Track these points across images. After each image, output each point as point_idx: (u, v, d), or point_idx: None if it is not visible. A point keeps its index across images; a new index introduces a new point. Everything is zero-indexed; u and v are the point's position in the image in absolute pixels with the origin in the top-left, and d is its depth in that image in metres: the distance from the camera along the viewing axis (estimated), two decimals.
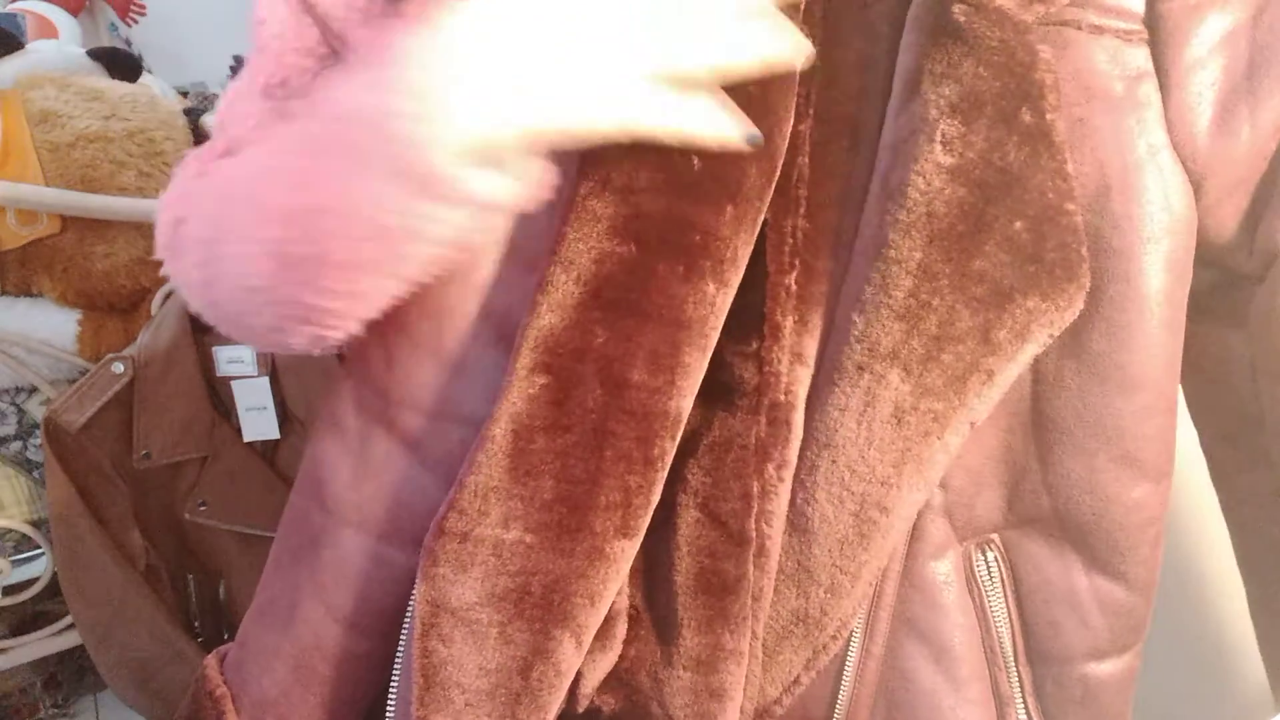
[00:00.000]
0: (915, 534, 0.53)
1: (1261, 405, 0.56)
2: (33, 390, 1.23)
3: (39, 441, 1.15)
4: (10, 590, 1.25)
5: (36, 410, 1.23)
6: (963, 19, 0.46)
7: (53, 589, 1.20)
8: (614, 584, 0.49)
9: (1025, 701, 0.56)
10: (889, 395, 0.47)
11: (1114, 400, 0.51)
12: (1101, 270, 0.49)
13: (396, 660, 0.55)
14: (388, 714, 0.54)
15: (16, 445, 1.25)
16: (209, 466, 1.14)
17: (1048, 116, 0.45)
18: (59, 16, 1.64)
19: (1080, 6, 0.48)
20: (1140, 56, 0.49)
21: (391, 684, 0.55)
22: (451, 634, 0.49)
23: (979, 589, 0.54)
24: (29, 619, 1.29)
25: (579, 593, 0.48)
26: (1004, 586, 0.55)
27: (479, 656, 0.49)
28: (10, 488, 1.25)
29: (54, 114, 1.20)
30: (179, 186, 0.56)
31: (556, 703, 0.50)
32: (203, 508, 1.15)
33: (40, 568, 1.25)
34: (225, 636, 1.24)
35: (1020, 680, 0.56)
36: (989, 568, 0.55)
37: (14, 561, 1.28)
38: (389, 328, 0.53)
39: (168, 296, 1.17)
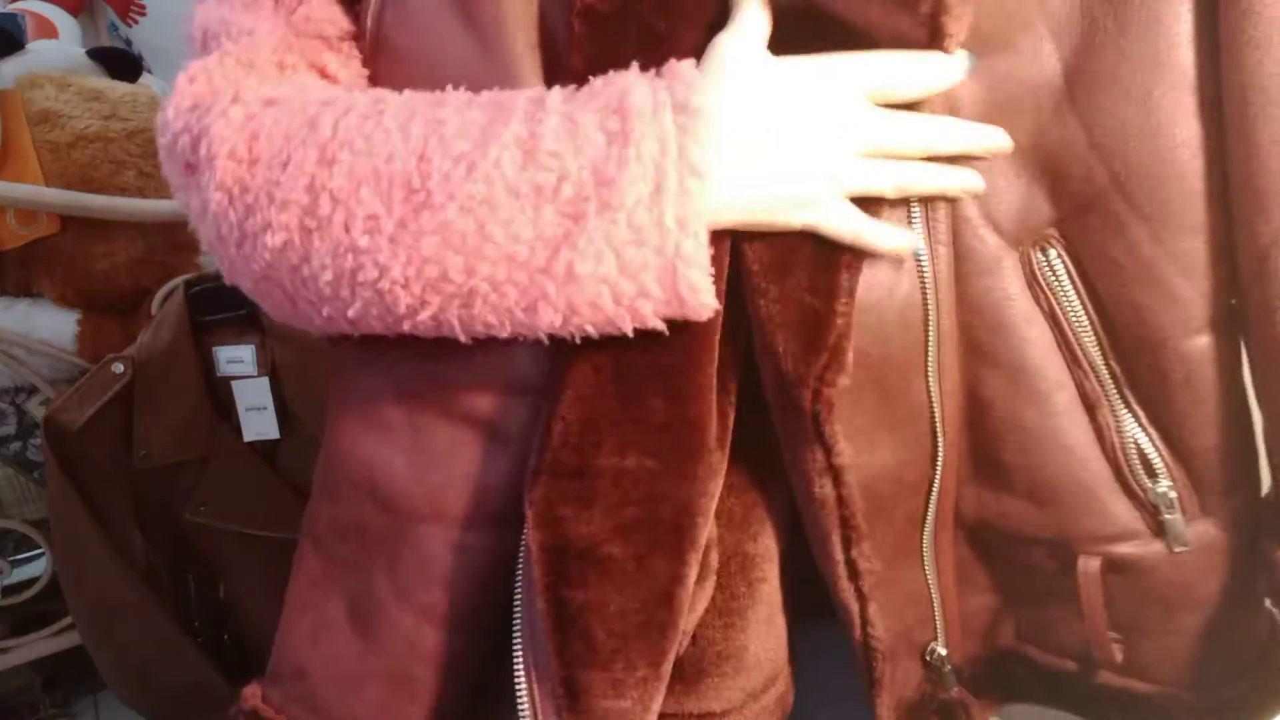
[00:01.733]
0: (959, 255, 0.50)
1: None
2: (33, 390, 1.23)
3: (39, 441, 1.15)
4: (10, 590, 1.25)
5: (36, 410, 1.23)
6: None
7: (53, 589, 1.20)
8: (716, 501, 0.49)
9: (1122, 394, 0.52)
10: None
11: (1161, 20, 0.47)
12: None
13: (515, 635, 0.52)
14: (517, 676, 0.51)
15: (16, 445, 1.25)
16: (209, 466, 1.14)
17: None
18: (59, 16, 1.64)
19: None
20: None
21: (515, 652, 0.52)
22: (584, 577, 0.47)
23: (1045, 292, 0.51)
24: (29, 619, 1.29)
25: (701, 512, 0.48)
26: (1074, 282, 0.51)
27: (620, 596, 0.47)
28: (10, 488, 1.25)
29: (54, 114, 1.20)
30: (241, 113, 0.49)
31: (682, 629, 0.50)
32: (203, 508, 1.15)
33: (40, 568, 1.25)
34: (225, 637, 1.24)
35: (1113, 375, 0.52)
36: (1051, 266, 0.51)
37: (14, 561, 1.28)
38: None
39: (168, 296, 1.17)
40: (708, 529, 0.49)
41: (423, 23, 0.51)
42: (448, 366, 0.52)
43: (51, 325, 1.21)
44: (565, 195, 0.43)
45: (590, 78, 0.45)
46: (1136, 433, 0.53)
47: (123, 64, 1.35)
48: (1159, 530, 0.53)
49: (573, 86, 0.46)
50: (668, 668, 0.50)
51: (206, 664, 1.15)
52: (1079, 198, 0.50)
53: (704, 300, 0.44)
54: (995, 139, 0.48)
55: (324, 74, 0.53)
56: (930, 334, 0.50)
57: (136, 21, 1.87)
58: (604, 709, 0.49)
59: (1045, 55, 0.48)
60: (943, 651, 0.58)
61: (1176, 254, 0.50)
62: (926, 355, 0.51)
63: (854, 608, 0.54)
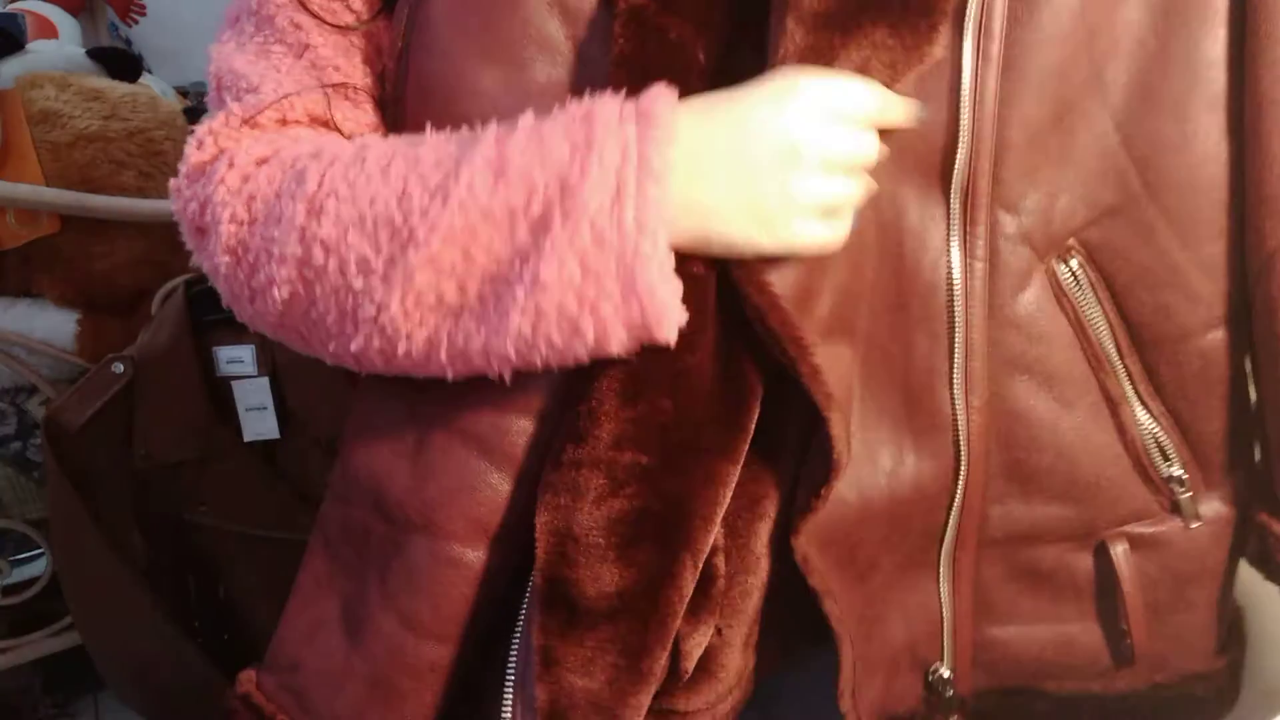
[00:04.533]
0: (994, 270, 0.52)
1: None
2: (33, 390, 1.23)
3: (39, 441, 1.15)
4: (10, 590, 1.25)
5: (36, 410, 1.23)
6: None
7: (53, 589, 1.20)
8: (722, 508, 0.50)
9: (1138, 392, 0.56)
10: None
11: (1199, 43, 0.50)
12: None
13: (519, 619, 0.54)
14: (506, 690, 0.53)
15: (16, 445, 1.25)
16: (209, 466, 1.14)
17: None
18: (59, 16, 1.64)
19: None
20: None
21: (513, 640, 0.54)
22: (575, 558, 0.49)
23: (1070, 301, 0.54)
24: (29, 619, 1.29)
25: (698, 513, 0.49)
26: (1095, 290, 0.54)
27: (597, 581, 0.49)
28: (10, 488, 1.25)
29: (54, 114, 1.20)
30: (211, 174, 0.53)
31: (674, 631, 0.51)
32: (203, 508, 1.15)
33: (40, 568, 1.25)
34: (225, 637, 1.24)
35: (1130, 374, 0.56)
36: (1075, 276, 0.54)
37: (14, 561, 1.28)
38: None
39: (168, 296, 1.17)
40: (710, 534, 0.50)
41: (444, 49, 0.52)
42: (457, 384, 0.53)
43: (51, 325, 1.21)
44: (534, 211, 0.45)
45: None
46: (1152, 424, 0.56)
47: (123, 64, 1.35)
48: (1174, 509, 0.57)
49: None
50: (651, 665, 0.50)
51: (206, 664, 1.15)
52: (1107, 206, 0.53)
53: (662, 303, 0.44)
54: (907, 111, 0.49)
55: (326, 126, 0.55)
56: (956, 345, 0.53)
57: (136, 21, 1.87)
58: (571, 683, 0.50)
59: (1089, 72, 0.50)
60: (946, 674, 0.60)
61: (1201, 258, 0.53)
62: (952, 365, 0.53)
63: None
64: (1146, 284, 0.54)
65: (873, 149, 0.48)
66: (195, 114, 1.34)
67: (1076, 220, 0.53)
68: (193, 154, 0.54)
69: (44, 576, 1.23)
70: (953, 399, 0.53)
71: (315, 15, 0.54)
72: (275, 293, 0.50)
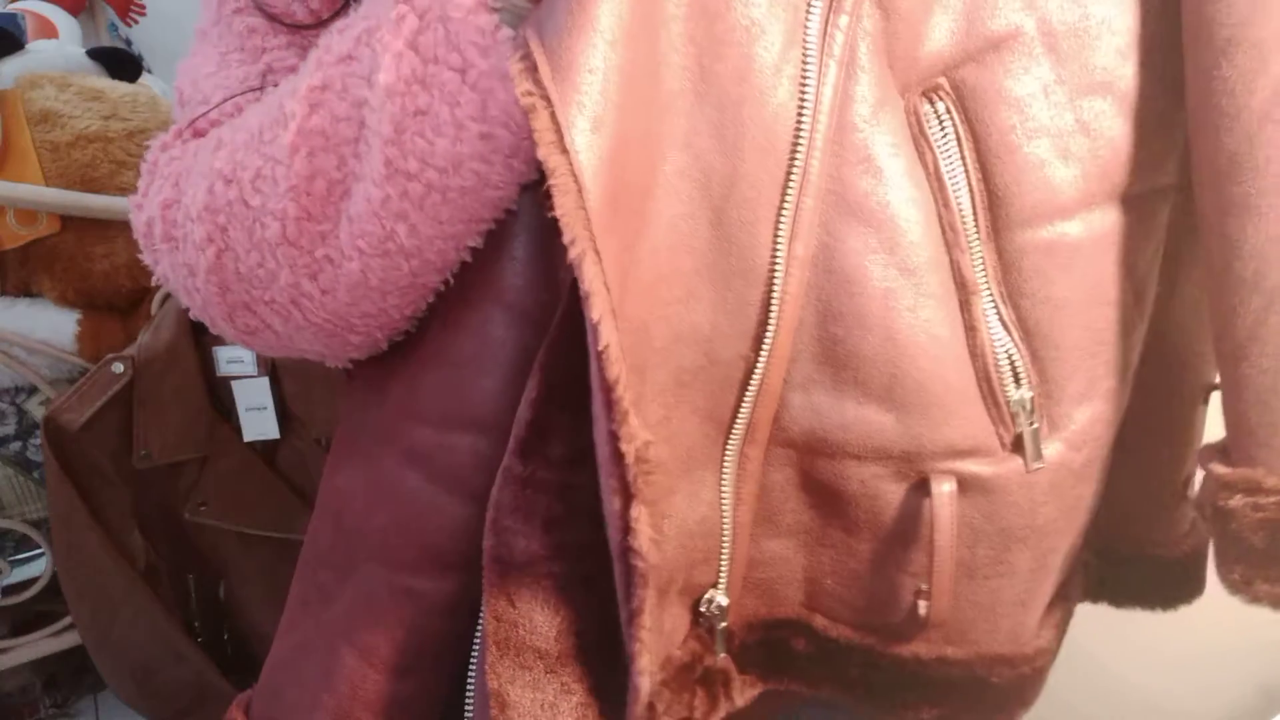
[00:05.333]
0: (848, 80, 0.41)
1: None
2: (33, 390, 1.23)
3: (39, 441, 1.15)
4: (10, 590, 1.25)
5: (36, 410, 1.23)
6: None
7: (53, 589, 1.20)
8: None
9: (993, 290, 0.45)
10: None
11: None
12: None
13: (474, 646, 0.50)
14: (467, 703, 0.50)
15: (16, 445, 1.25)
16: (209, 466, 1.14)
17: None
18: (59, 16, 1.64)
19: None
20: None
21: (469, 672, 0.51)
22: (519, 591, 0.44)
23: (931, 149, 0.43)
24: (29, 619, 1.29)
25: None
26: (960, 142, 0.43)
27: (558, 617, 0.44)
28: (10, 488, 1.25)
29: (54, 114, 1.20)
30: (156, 176, 0.52)
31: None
32: (203, 508, 1.15)
33: (40, 568, 1.25)
34: (225, 637, 1.24)
35: (985, 263, 0.45)
36: (939, 120, 0.43)
37: (14, 561, 1.28)
38: (405, 342, 0.51)
39: (168, 296, 1.17)
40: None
41: None
42: (410, 396, 0.50)
43: (51, 325, 1.21)
44: (369, 32, 0.42)
45: None
46: (1003, 334, 0.46)
47: (123, 64, 1.35)
48: (1016, 445, 0.47)
49: None
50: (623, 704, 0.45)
51: (206, 664, 1.16)
52: (990, 39, 0.43)
53: (482, 27, 0.40)
54: None
55: None
56: (795, 169, 0.41)
57: (136, 21, 1.87)
58: None
59: None
60: (723, 602, 0.49)
61: (1082, 110, 0.43)
62: (784, 197, 0.41)
63: (615, 505, 0.41)
64: (1022, 134, 0.43)
65: None
66: None
67: (949, 47, 0.43)
68: (143, 170, 0.53)
69: (44, 576, 1.23)
70: (775, 240, 0.42)
71: (271, 17, 0.52)
72: (201, 259, 0.48)
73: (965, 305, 0.45)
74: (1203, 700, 0.87)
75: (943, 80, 0.43)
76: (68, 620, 1.25)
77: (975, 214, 0.44)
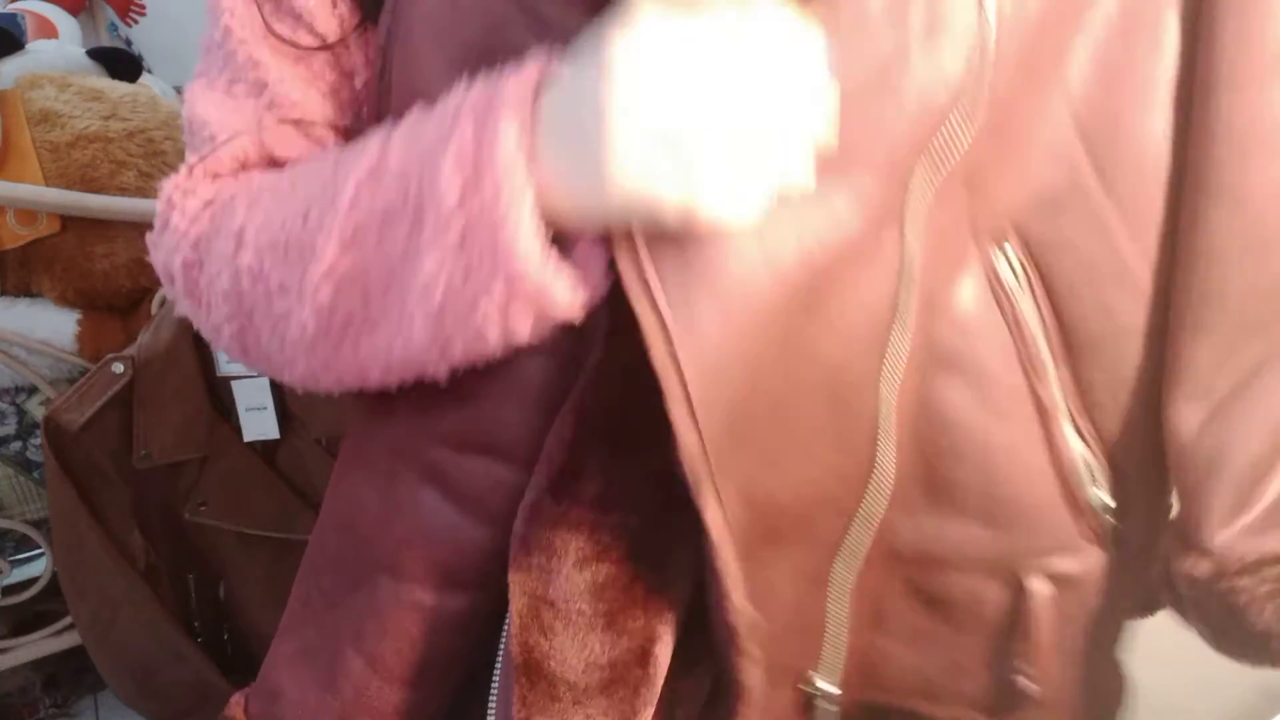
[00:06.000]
0: (933, 250, 0.45)
1: None
2: (33, 390, 1.23)
3: (39, 441, 1.15)
4: (10, 590, 1.25)
5: (36, 410, 1.23)
6: None
7: (53, 589, 1.20)
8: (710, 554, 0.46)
9: (1069, 406, 0.50)
10: None
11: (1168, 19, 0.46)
12: None
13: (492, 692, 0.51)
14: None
15: (16, 445, 1.25)
16: (209, 466, 1.14)
17: None
18: (59, 16, 1.64)
19: None
20: None
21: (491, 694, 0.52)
22: (553, 625, 0.45)
23: (1008, 298, 0.48)
24: (29, 619, 1.29)
25: (686, 570, 0.45)
26: (1031, 286, 0.48)
27: (585, 651, 0.46)
28: (10, 488, 1.25)
29: (54, 114, 1.20)
30: (171, 218, 0.53)
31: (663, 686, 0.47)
32: (203, 508, 1.15)
33: (40, 568, 1.25)
34: (225, 637, 1.24)
35: (1062, 384, 0.49)
36: (1012, 269, 0.48)
37: (14, 561, 1.28)
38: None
39: (168, 296, 1.18)
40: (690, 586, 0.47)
41: (416, 61, 0.49)
42: (427, 416, 0.51)
43: (51, 325, 1.21)
44: (410, 209, 0.42)
45: None
46: (1080, 444, 0.51)
47: (123, 64, 1.36)
48: (1099, 539, 0.52)
49: None
50: None
51: (206, 664, 1.16)
52: (1053, 195, 0.48)
53: (541, 280, 0.39)
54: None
55: (282, 165, 0.53)
56: (895, 334, 0.45)
57: (136, 21, 1.87)
58: None
59: (1053, 49, 0.46)
60: (827, 688, 0.53)
61: (1147, 248, 0.48)
62: (884, 360, 0.46)
63: (723, 647, 0.45)
64: (1090, 280, 0.48)
65: (787, 104, 0.38)
66: None
67: (1018, 204, 0.47)
68: (161, 209, 0.54)
69: (44, 576, 1.23)
70: (879, 393, 0.46)
71: (278, 37, 0.51)
72: (225, 329, 0.50)
73: (1045, 425, 0.50)
74: (1202, 700, 0.87)
75: (1010, 231, 0.48)
76: (68, 620, 1.25)
77: (1050, 345, 0.49)
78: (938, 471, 0.49)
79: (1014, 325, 0.49)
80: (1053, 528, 0.51)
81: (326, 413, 1.13)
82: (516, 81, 0.40)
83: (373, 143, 0.44)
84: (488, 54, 0.46)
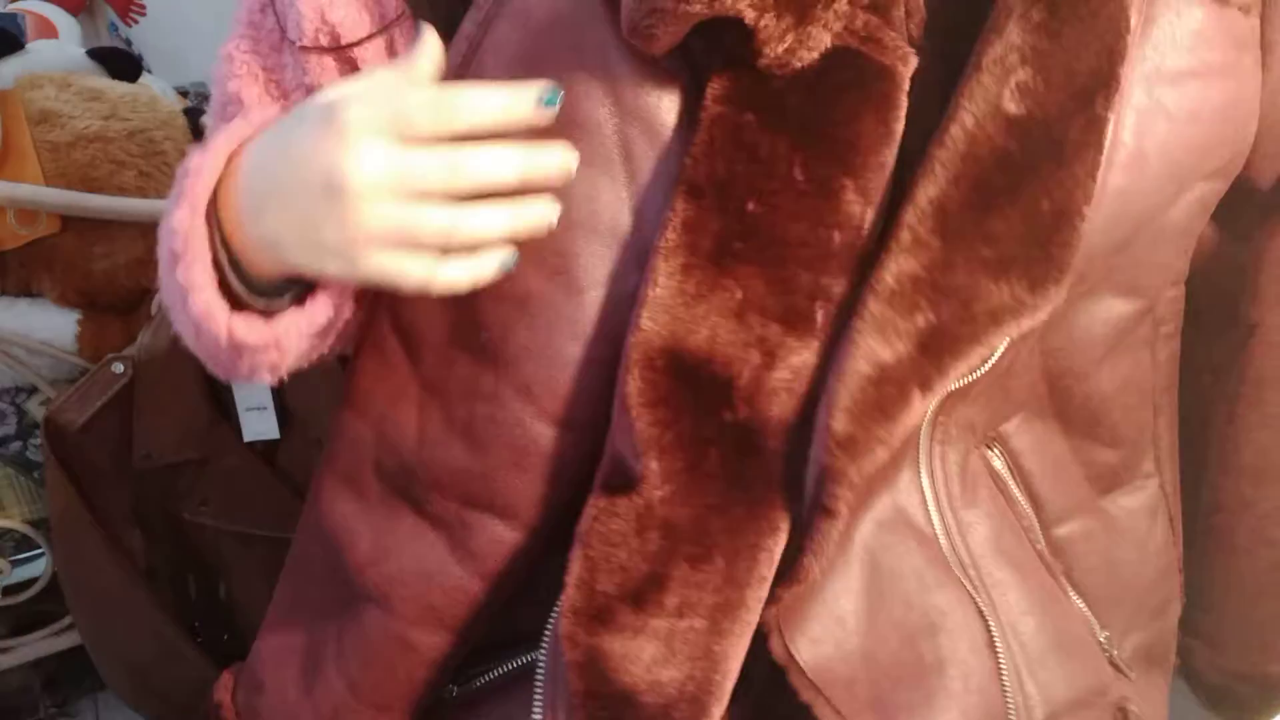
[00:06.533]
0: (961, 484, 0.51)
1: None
2: (33, 390, 1.23)
3: (39, 441, 1.15)
4: (10, 590, 1.25)
5: (36, 410, 1.23)
6: None
7: (53, 589, 1.20)
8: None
9: (1057, 569, 0.56)
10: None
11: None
12: None
13: None
14: None
15: (16, 445, 1.25)
16: (209, 466, 1.14)
17: (1110, 114, 0.44)
18: (59, 16, 1.64)
19: None
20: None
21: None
22: (619, 714, 0.47)
23: (1002, 486, 0.54)
24: (29, 619, 1.29)
25: (734, 669, 0.47)
26: (1013, 474, 0.54)
27: None
28: (10, 488, 1.25)
29: (54, 114, 1.20)
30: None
31: None
32: (203, 508, 1.15)
33: (40, 568, 1.25)
34: (225, 637, 1.24)
35: (1047, 546, 0.56)
36: (1001, 462, 0.54)
37: (14, 561, 1.28)
38: (423, 393, 0.52)
39: None
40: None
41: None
42: (430, 456, 0.52)
43: (51, 325, 1.21)
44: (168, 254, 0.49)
45: None
46: (1077, 598, 0.57)
47: (123, 64, 1.35)
48: (1114, 666, 0.58)
49: None
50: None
51: (206, 664, 1.15)
52: (1025, 410, 0.54)
53: (198, 299, 0.47)
54: (559, 158, 0.44)
55: None
56: (943, 540, 0.50)
57: (136, 21, 1.87)
58: None
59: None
60: None
61: (1080, 450, 0.56)
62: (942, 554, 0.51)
63: None
64: (1056, 472, 0.56)
65: (476, 163, 0.43)
66: (195, 114, 1.34)
67: (1001, 416, 0.53)
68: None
69: (44, 576, 1.23)
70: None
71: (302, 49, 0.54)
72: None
73: (1061, 587, 0.56)
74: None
75: (994, 433, 0.54)
76: (68, 620, 1.24)
77: (1039, 524, 0.55)
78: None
79: (1012, 506, 0.54)
80: (1087, 671, 0.55)
81: (326, 413, 1.13)
82: (212, 150, 0.47)
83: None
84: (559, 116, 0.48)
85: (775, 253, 0.44)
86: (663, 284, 0.44)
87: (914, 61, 0.44)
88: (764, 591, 0.46)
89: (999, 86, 0.43)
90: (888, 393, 0.43)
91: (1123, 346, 0.55)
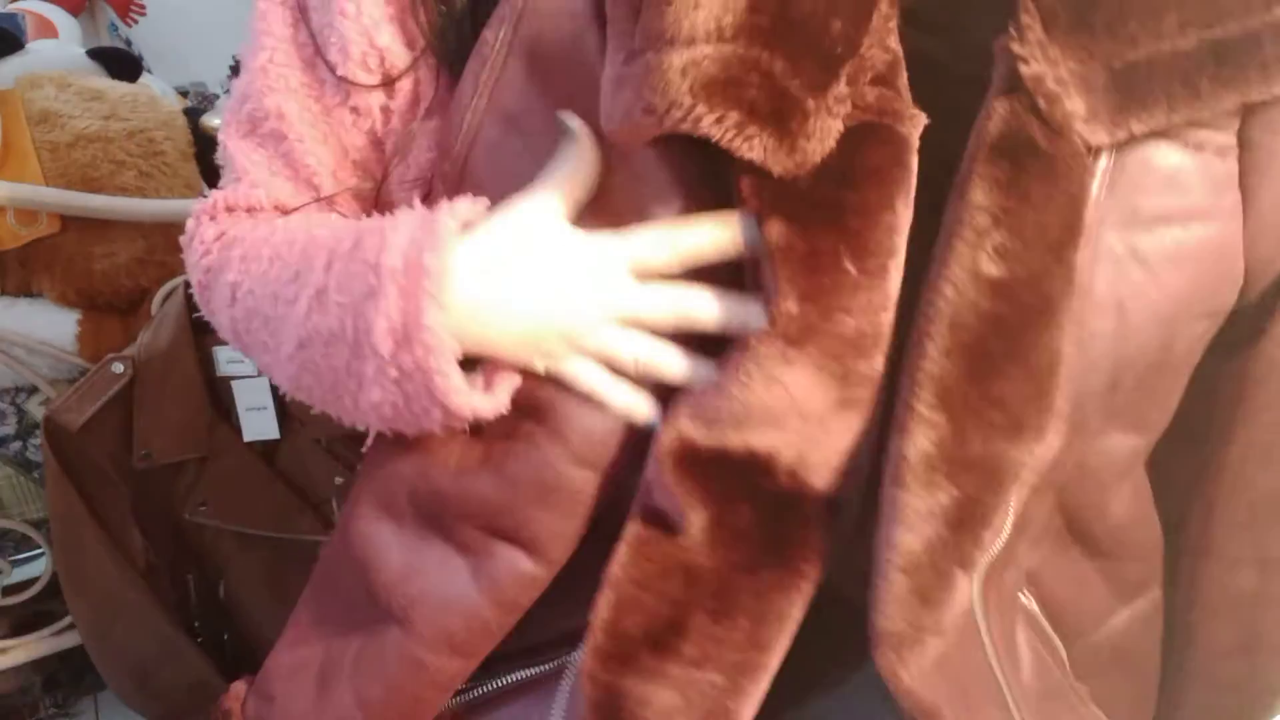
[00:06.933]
0: (989, 600, 0.53)
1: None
2: (33, 390, 1.23)
3: (39, 441, 1.15)
4: (10, 590, 1.25)
5: (36, 410, 1.23)
6: (1043, 142, 0.42)
7: (53, 589, 1.20)
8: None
9: (1075, 683, 0.58)
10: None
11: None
12: None
13: None
14: None
15: (16, 445, 1.25)
16: (209, 466, 1.14)
17: (1080, 260, 0.43)
18: (59, 16, 1.64)
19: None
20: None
21: None
22: None
23: (1036, 630, 0.56)
24: (29, 619, 1.29)
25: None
26: (1042, 612, 0.56)
27: None
28: (10, 488, 1.25)
29: (54, 114, 1.20)
30: (193, 243, 0.60)
31: None
32: (203, 508, 1.15)
33: (40, 568, 1.25)
34: (225, 637, 1.24)
35: (1069, 662, 0.58)
36: (1035, 604, 0.56)
37: (14, 561, 1.28)
38: (466, 433, 0.53)
39: (168, 296, 1.17)
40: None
41: (509, 170, 0.52)
42: (467, 494, 0.53)
43: (51, 325, 1.21)
44: (347, 340, 0.49)
45: None
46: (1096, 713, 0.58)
47: (123, 64, 1.35)
48: None
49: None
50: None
51: (206, 664, 1.15)
52: (1046, 546, 0.55)
53: (457, 398, 0.48)
54: (753, 315, 0.45)
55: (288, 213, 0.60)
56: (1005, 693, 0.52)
57: (136, 21, 1.87)
58: None
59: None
60: None
61: (1100, 569, 0.58)
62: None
63: None
64: (1069, 590, 0.57)
65: (665, 302, 0.47)
66: (195, 114, 1.34)
67: (1030, 561, 0.54)
68: (189, 223, 0.62)
69: (44, 576, 1.23)
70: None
71: (344, 80, 0.56)
72: (232, 342, 0.59)
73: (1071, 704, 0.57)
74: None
75: (1023, 576, 0.55)
76: (68, 620, 1.24)
77: (1065, 655, 0.57)
78: None
79: (1048, 650, 0.56)
80: None
81: (326, 413, 1.13)
82: (432, 255, 0.46)
83: (320, 257, 0.50)
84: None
85: (828, 347, 0.44)
86: None
87: (923, 121, 0.44)
88: (783, 653, 0.47)
89: (974, 251, 0.42)
90: (925, 580, 0.43)
91: (1133, 473, 0.55)
